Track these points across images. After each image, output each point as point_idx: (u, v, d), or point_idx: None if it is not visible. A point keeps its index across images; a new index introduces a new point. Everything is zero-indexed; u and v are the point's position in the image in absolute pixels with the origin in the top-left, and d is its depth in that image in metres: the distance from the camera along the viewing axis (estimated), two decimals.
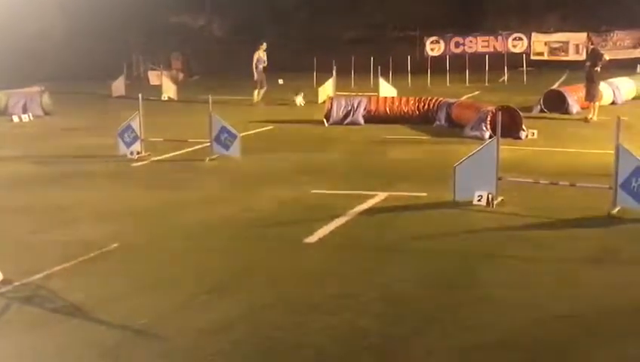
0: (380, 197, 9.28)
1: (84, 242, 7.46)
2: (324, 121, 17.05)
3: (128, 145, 12.85)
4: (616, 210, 8.09)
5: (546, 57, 29.42)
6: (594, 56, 16.85)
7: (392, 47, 33.43)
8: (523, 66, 29.28)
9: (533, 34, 29.63)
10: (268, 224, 8.19)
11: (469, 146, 10.87)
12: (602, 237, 7.53)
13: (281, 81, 27.56)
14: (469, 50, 30.04)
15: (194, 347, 5.03)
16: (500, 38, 29.81)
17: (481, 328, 5.26)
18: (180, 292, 6.09)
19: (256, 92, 22.40)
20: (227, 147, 12.11)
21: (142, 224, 8.38)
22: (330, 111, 17.15)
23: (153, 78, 31.15)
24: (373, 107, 17.11)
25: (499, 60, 29.32)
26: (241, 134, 12.52)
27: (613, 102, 19.41)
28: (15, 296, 6.02)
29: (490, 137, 12.18)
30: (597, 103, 16.82)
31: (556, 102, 18.02)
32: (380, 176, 10.66)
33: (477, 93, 23.86)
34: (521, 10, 36.97)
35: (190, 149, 13.08)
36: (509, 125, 13.28)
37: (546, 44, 29.41)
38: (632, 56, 28.02)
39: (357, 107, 17.06)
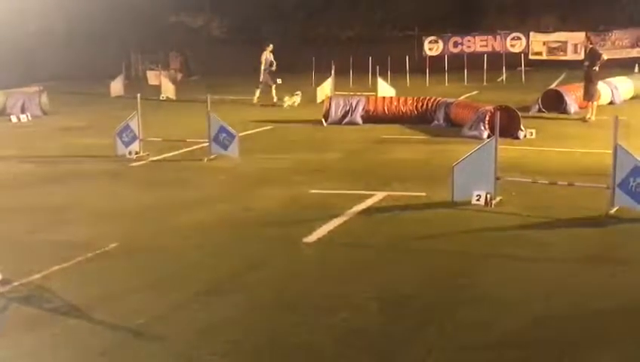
0: (378, 196, 9.28)
1: (82, 242, 7.46)
2: (323, 120, 17.04)
3: (127, 144, 12.85)
4: (614, 209, 8.09)
5: (544, 57, 29.40)
6: (592, 55, 16.84)
7: (390, 46, 33.38)
8: (521, 66, 29.27)
9: (531, 33, 29.63)
10: (266, 224, 8.20)
11: (468, 146, 10.86)
12: (600, 236, 7.55)
13: (279, 81, 27.53)
14: (468, 50, 30.03)
15: (192, 347, 5.03)
16: (498, 37, 29.80)
17: (480, 327, 5.27)
18: (178, 291, 6.09)
19: (257, 91, 22.48)
20: (226, 147, 12.11)
21: (140, 224, 8.38)
22: (328, 111, 17.15)
23: (152, 77, 31.11)
24: (371, 107, 17.11)
25: (497, 60, 29.31)
26: (240, 134, 12.52)
27: (611, 102, 19.41)
28: (14, 296, 6.02)
29: (489, 137, 12.19)
30: (595, 103, 16.81)
31: (554, 102, 18.02)
32: (378, 176, 10.67)
33: (475, 92, 23.86)
34: (519, 9, 36.98)
35: (189, 149, 13.08)
36: (508, 125, 13.28)
37: (544, 43, 29.40)
38: (630, 55, 28.00)
39: (355, 107, 17.06)
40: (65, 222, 8.50)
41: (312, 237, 7.53)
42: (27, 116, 19.66)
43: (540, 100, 18.26)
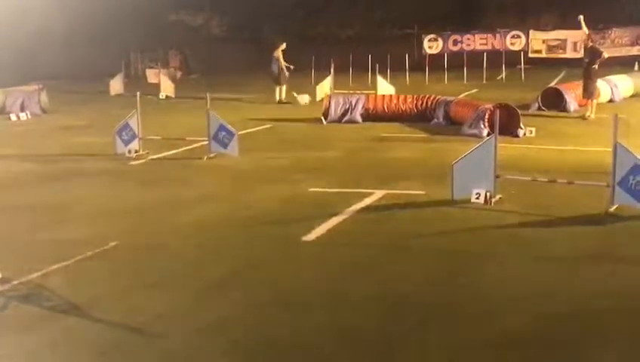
0: (377, 195, 9.28)
1: (82, 240, 7.46)
2: (322, 119, 17.04)
3: (126, 143, 12.84)
4: (614, 207, 8.09)
5: (544, 55, 29.40)
6: (592, 53, 16.84)
7: (390, 45, 33.36)
8: (521, 64, 29.27)
9: (531, 32, 29.62)
10: (266, 222, 8.20)
11: (467, 144, 10.86)
12: (600, 234, 7.55)
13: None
14: (467, 48, 30.02)
15: (191, 345, 5.03)
16: (498, 35, 29.80)
17: (479, 326, 5.27)
18: (178, 290, 6.10)
19: (277, 90, 22.51)
20: (225, 145, 12.11)
21: (140, 222, 8.38)
22: (328, 109, 17.15)
23: (151, 76, 31.12)
24: (371, 105, 17.10)
25: (497, 58, 29.31)
26: (240, 132, 12.52)
27: (610, 100, 19.41)
28: (13, 294, 6.02)
29: (488, 135, 12.18)
30: (595, 101, 16.81)
31: (554, 100, 18.01)
32: (377, 174, 10.67)
33: (475, 90, 23.84)
34: (519, 7, 36.96)
35: (188, 147, 13.08)
36: (507, 123, 13.28)
37: (544, 41, 29.39)
38: (630, 53, 28.01)
39: (355, 105, 17.06)
40: (64, 220, 8.50)
41: (311, 236, 7.52)
42: (27, 114, 19.65)
43: (539, 98, 18.27)
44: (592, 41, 18.40)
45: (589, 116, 16.42)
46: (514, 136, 13.63)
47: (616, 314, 5.46)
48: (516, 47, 29.42)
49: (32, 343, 5.15)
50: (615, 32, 28.55)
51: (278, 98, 22.34)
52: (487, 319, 5.40)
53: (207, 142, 12.37)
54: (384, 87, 21.12)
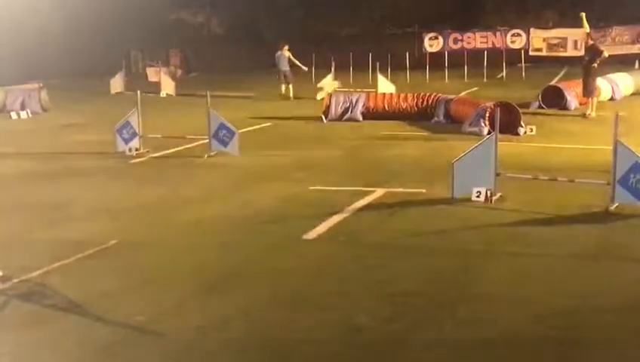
0: (378, 193, 9.28)
1: (82, 239, 7.46)
2: (323, 117, 17.04)
3: (127, 141, 12.84)
4: (615, 206, 8.09)
5: (544, 53, 29.35)
6: (592, 51, 16.83)
7: (390, 43, 33.37)
8: (521, 62, 29.25)
9: (531, 30, 29.57)
10: (266, 220, 8.19)
11: (468, 142, 10.85)
12: (600, 233, 7.54)
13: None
14: (468, 46, 29.98)
15: (192, 344, 5.03)
16: (498, 34, 29.76)
17: (480, 324, 5.27)
18: (177, 288, 6.09)
19: (284, 87, 22.66)
20: (225, 144, 12.11)
21: (140, 221, 8.38)
22: (328, 107, 17.15)
23: (152, 74, 31.11)
24: (371, 103, 17.10)
25: (497, 56, 29.28)
26: (240, 131, 12.51)
27: (611, 98, 19.41)
28: (13, 292, 6.02)
29: (489, 133, 12.16)
30: (595, 99, 16.80)
31: (555, 98, 18.01)
32: (378, 173, 10.67)
33: (475, 89, 23.84)
34: (519, 6, 36.93)
35: (188, 146, 13.08)
36: (508, 121, 13.28)
37: (544, 40, 29.33)
38: (631, 51, 27.97)
39: (355, 103, 17.05)
40: (65, 218, 8.50)
41: (311, 234, 7.52)
42: (27, 113, 19.66)
43: (540, 97, 18.26)
44: (592, 40, 18.39)
45: (589, 114, 16.41)
46: (514, 135, 13.62)
47: (617, 313, 5.45)
48: (517, 46, 29.38)
49: (32, 341, 5.15)
50: (616, 30, 28.50)
51: (285, 93, 22.49)
52: (488, 317, 5.39)
53: (207, 141, 12.36)
54: (385, 85, 21.12)
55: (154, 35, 38.66)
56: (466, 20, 34.02)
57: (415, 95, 17.08)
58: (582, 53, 19.08)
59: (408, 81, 26.63)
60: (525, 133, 13.96)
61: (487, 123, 13.77)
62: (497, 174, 8.76)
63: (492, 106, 13.60)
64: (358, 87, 21.83)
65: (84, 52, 36.28)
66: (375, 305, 5.68)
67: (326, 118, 16.99)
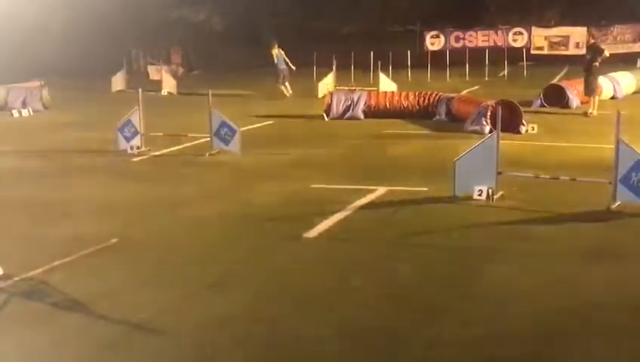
0: (379, 191, 9.27)
1: (83, 237, 7.46)
2: (324, 115, 17.04)
3: (128, 139, 12.85)
4: (616, 204, 8.08)
5: (546, 52, 29.36)
6: (594, 50, 16.82)
7: (391, 41, 33.33)
8: (523, 61, 29.23)
9: (533, 28, 29.58)
10: (267, 219, 8.19)
11: (469, 141, 10.86)
12: (602, 231, 7.53)
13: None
14: (470, 45, 29.99)
15: (193, 341, 5.03)
16: (500, 32, 29.78)
17: (481, 322, 5.27)
18: (179, 286, 6.09)
19: (282, 87, 22.65)
20: (227, 142, 12.11)
21: (141, 219, 8.38)
22: (330, 106, 17.16)
23: (153, 72, 31.15)
24: (373, 102, 17.10)
25: (499, 55, 29.29)
26: (241, 129, 12.51)
27: (613, 97, 19.40)
28: (15, 290, 6.02)
29: (490, 132, 12.16)
30: (597, 97, 16.80)
31: (556, 97, 18.01)
32: (379, 171, 10.66)
33: (477, 87, 23.84)
34: (521, 4, 36.88)
35: (190, 144, 13.08)
36: (509, 120, 13.27)
37: (546, 38, 29.35)
38: (632, 50, 27.97)
39: (357, 102, 17.06)
40: (66, 216, 8.50)
41: (312, 233, 7.52)
42: (28, 111, 19.68)
43: (541, 95, 18.26)
44: (593, 38, 18.40)
45: (591, 113, 16.40)
46: (516, 133, 13.62)
47: (619, 311, 5.45)
48: (518, 44, 29.39)
49: (34, 339, 5.15)
50: (617, 29, 28.51)
51: (288, 92, 22.52)
52: (489, 315, 5.39)
53: (209, 139, 12.36)
54: (386, 83, 21.13)
55: (155, 33, 38.64)
56: (468, 19, 33.97)
57: (416, 93, 17.08)
58: (583, 51, 19.08)
59: (410, 79, 26.63)
60: (527, 131, 13.96)
61: (488, 121, 13.76)
62: (499, 173, 8.76)
63: (494, 105, 13.60)
64: (360, 86, 21.83)
65: (86, 50, 36.27)
66: (376, 303, 5.67)
67: (327, 116, 16.99)
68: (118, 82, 27.04)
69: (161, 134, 13.18)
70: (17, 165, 11.96)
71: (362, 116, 16.86)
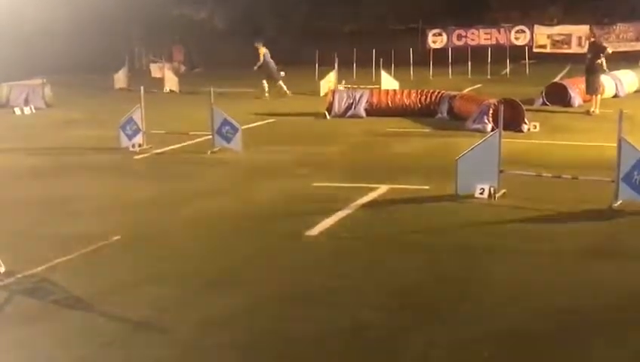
0: (381, 190, 9.27)
1: (85, 234, 7.47)
2: (326, 113, 17.03)
3: (130, 137, 12.85)
4: (618, 202, 8.08)
5: (548, 50, 29.33)
6: (595, 48, 16.80)
7: (393, 39, 33.33)
8: (525, 59, 29.21)
9: (535, 26, 29.54)
10: (269, 217, 8.20)
11: (471, 139, 10.85)
12: (604, 230, 7.53)
13: (282, 73, 27.52)
14: (472, 43, 29.96)
15: (194, 339, 5.04)
16: (502, 30, 29.74)
17: (482, 320, 5.27)
18: (181, 284, 6.10)
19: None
20: (229, 140, 12.11)
21: (143, 216, 8.39)
22: (332, 103, 17.14)
23: (155, 70, 31.10)
24: (375, 100, 17.08)
25: (501, 53, 29.24)
26: (243, 127, 12.51)
27: (615, 95, 19.36)
28: (17, 287, 6.03)
29: (493, 130, 12.16)
30: (599, 96, 16.77)
31: (558, 95, 17.98)
32: (381, 169, 10.66)
33: (479, 85, 23.80)
34: (523, 2, 36.85)
35: (192, 142, 13.08)
36: (511, 118, 13.24)
37: (548, 36, 29.32)
38: (635, 48, 27.91)
39: (359, 100, 17.04)
40: (68, 214, 8.51)
41: (314, 231, 7.52)
42: (31, 108, 19.67)
43: (543, 93, 18.23)
44: (593, 37, 18.37)
45: (593, 111, 16.38)
46: (518, 131, 13.60)
47: (620, 310, 5.45)
48: (520, 42, 29.36)
49: (36, 336, 5.16)
50: (620, 27, 28.47)
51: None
52: (491, 314, 5.39)
53: (210, 137, 12.36)
54: (388, 81, 21.10)
55: (157, 30, 38.64)
56: (470, 17, 33.95)
57: (418, 91, 17.06)
58: (586, 50, 19.05)
59: (412, 77, 26.60)
60: (529, 129, 13.94)
61: (490, 119, 13.75)
62: (501, 171, 8.75)
63: (496, 103, 13.59)
64: (362, 84, 21.81)
65: (88, 48, 36.26)
66: (378, 301, 5.67)
67: (329, 114, 16.98)
68: (120, 80, 27.02)
69: (163, 132, 13.18)
70: (19, 163, 11.96)
71: (364, 114, 16.84)
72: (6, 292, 5.93)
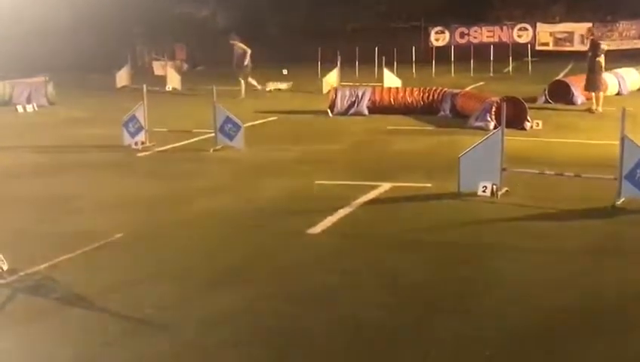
0: (384, 187, 9.27)
1: (88, 232, 7.47)
2: (329, 111, 17.03)
3: (133, 135, 12.85)
4: (621, 200, 8.07)
5: (551, 48, 29.31)
6: (594, 46, 16.80)
7: (396, 37, 33.32)
8: (528, 57, 29.18)
9: (538, 24, 29.52)
10: (271, 215, 8.20)
11: (474, 137, 10.84)
12: (607, 228, 7.52)
13: (285, 72, 27.53)
14: (474, 41, 29.93)
15: (196, 337, 5.03)
16: (505, 28, 29.71)
17: (484, 318, 5.26)
18: (183, 282, 6.10)
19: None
20: (231, 137, 12.11)
21: (145, 214, 8.39)
22: (334, 101, 17.13)
23: (157, 68, 31.11)
24: (377, 97, 17.08)
25: (504, 51, 29.22)
26: (245, 125, 12.51)
27: (618, 93, 19.34)
28: (20, 285, 6.03)
29: (495, 128, 12.14)
30: (602, 94, 16.75)
31: (561, 93, 17.97)
32: (384, 167, 10.65)
33: (482, 83, 23.78)
34: (526, 0, 36.83)
35: (194, 140, 13.08)
36: (514, 116, 13.24)
37: (551, 34, 29.31)
38: (638, 46, 27.88)
39: (361, 98, 17.04)
40: (71, 212, 8.51)
41: (316, 229, 7.51)
42: (33, 106, 19.67)
43: (546, 91, 18.22)
44: (592, 35, 18.39)
45: (596, 109, 16.36)
46: (521, 129, 13.58)
47: (622, 308, 5.44)
48: (523, 40, 29.32)
49: (39, 334, 5.16)
50: (622, 25, 28.43)
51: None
52: (493, 312, 5.39)
53: (213, 135, 12.37)
54: (390, 79, 21.08)
55: (159, 28, 38.64)
56: (473, 14, 33.93)
57: (421, 89, 17.05)
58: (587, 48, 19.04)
59: (414, 75, 26.59)
60: (532, 127, 13.93)
61: (493, 117, 13.73)
62: (503, 169, 8.74)
63: (498, 101, 13.58)
64: (364, 82, 21.81)
65: (90, 46, 36.30)
66: (380, 299, 5.67)
67: (332, 112, 16.97)
68: (122, 78, 27.01)
69: (165, 130, 13.18)
70: (22, 161, 11.97)
71: (367, 112, 16.83)
72: (8, 289, 5.93)
